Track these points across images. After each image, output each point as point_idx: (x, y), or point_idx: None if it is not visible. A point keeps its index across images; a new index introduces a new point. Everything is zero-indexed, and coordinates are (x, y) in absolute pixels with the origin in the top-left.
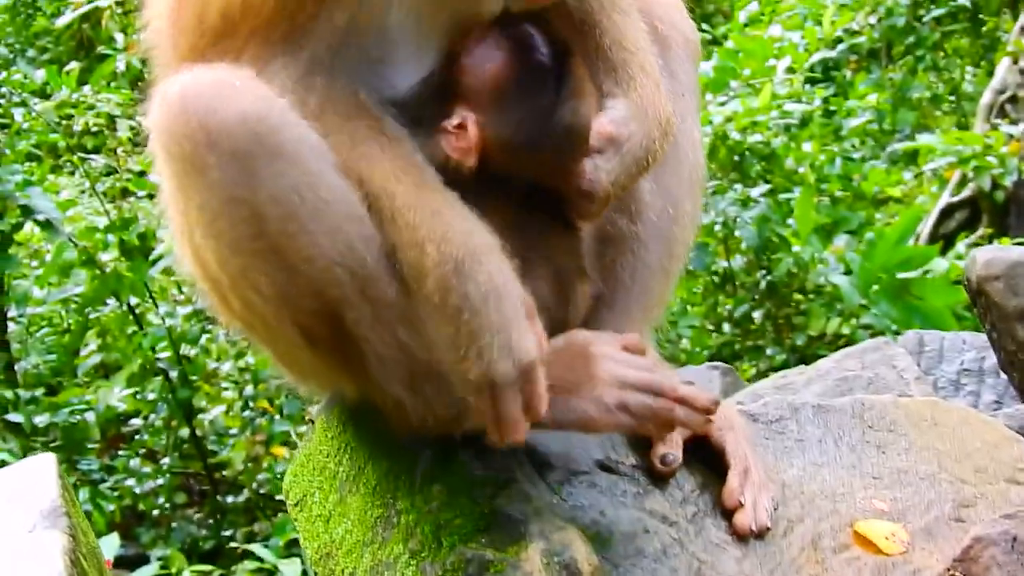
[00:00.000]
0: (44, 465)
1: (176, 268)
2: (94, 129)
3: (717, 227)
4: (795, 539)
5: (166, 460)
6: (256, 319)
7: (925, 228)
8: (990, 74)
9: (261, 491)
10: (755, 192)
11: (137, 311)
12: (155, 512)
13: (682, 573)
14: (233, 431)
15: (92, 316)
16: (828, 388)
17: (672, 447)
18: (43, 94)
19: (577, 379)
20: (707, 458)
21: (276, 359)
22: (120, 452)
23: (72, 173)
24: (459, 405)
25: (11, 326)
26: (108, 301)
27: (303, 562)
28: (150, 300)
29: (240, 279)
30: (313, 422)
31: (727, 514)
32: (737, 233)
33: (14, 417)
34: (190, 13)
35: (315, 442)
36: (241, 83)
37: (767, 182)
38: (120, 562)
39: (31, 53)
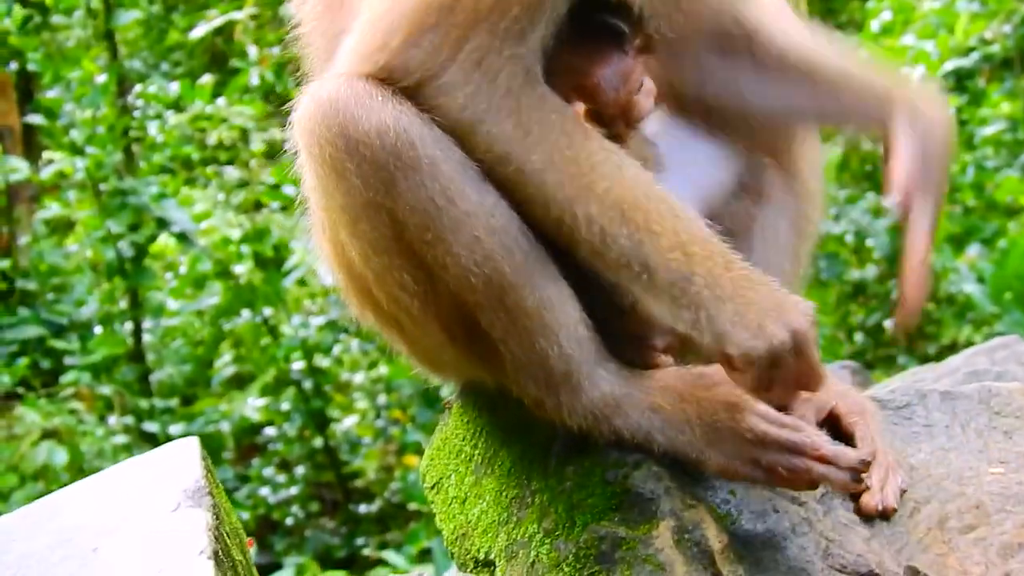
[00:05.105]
0: (188, 447)
1: (312, 270)
2: (227, 142)
3: (849, 237)
4: (922, 520)
5: (300, 470)
6: (402, 313)
7: None
8: None
9: (393, 500)
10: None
11: (271, 322)
12: (289, 521)
13: (810, 551)
14: (366, 440)
15: (226, 327)
16: (957, 381)
17: None
18: (177, 107)
19: (719, 427)
20: (838, 441)
21: (417, 353)
22: (254, 462)
23: (206, 186)
24: (596, 413)
25: (146, 337)
26: (242, 312)
27: (436, 569)
28: (284, 311)
29: (385, 275)
30: (449, 408)
31: (855, 495)
32: (869, 242)
33: (149, 426)
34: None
35: (451, 426)
36: (385, 97)
37: None
38: None
39: (165, 67)
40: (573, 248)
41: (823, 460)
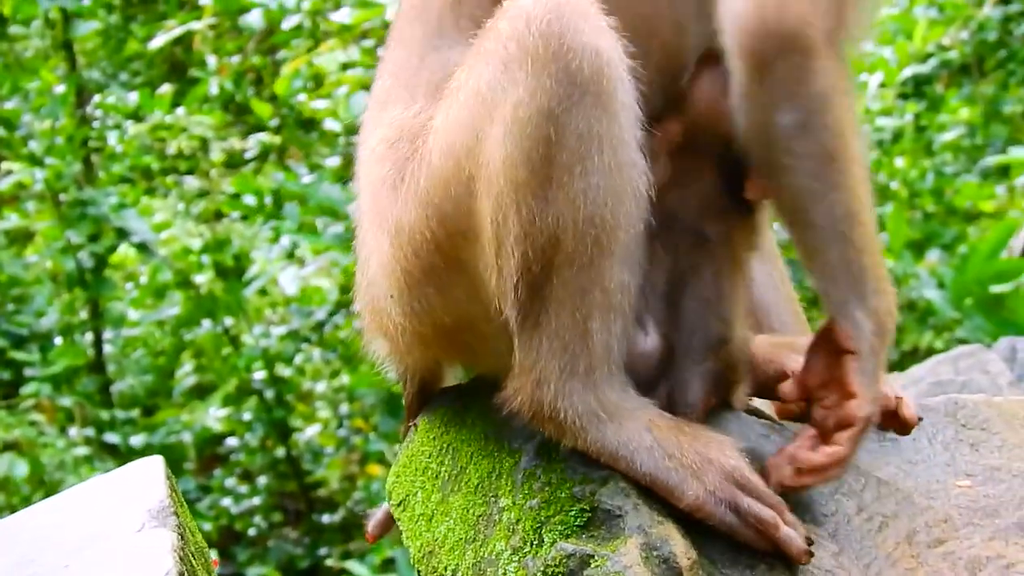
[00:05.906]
0: (152, 467)
1: (273, 280)
2: (187, 151)
3: None
4: (890, 534)
5: (262, 480)
6: (492, 239)
7: (1018, 242)
8: None
9: (357, 510)
10: None
11: (232, 332)
12: (251, 531)
13: (779, 568)
14: (328, 450)
15: (187, 337)
16: (922, 392)
17: None
18: (136, 117)
19: (708, 459)
20: None
21: (456, 315)
22: (216, 472)
23: (166, 195)
24: (594, 413)
25: (107, 348)
26: (203, 322)
27: None
28: (245, 321)
29: (513, 192)
30: (415, 427)
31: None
32: None
33: (111, 438)
34: None
35: (417, 443)
36: (610, 26)
37: None
38: None
39: (124, 77)
40: (822, 238)
41: (789, 524)
